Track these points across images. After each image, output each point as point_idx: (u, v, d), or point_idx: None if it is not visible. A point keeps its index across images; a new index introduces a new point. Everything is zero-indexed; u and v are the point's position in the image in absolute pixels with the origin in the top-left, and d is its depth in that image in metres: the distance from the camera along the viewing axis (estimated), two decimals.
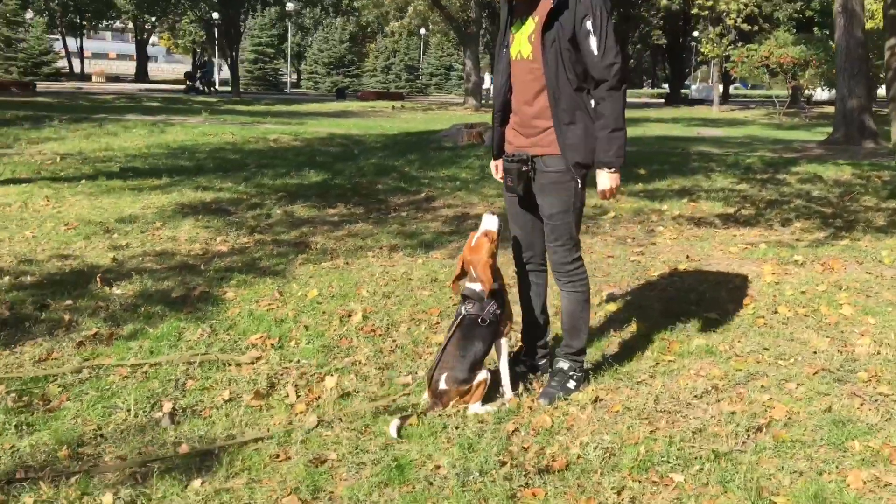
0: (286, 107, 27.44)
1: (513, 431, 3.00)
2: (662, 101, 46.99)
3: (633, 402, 3.28)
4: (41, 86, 33.53)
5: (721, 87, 41.05)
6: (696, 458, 2.80)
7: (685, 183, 9.93)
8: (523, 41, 3.13)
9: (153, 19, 50.34)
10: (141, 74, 54.17)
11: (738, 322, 4.32)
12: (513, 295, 3.60)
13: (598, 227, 6.96)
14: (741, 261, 5.70)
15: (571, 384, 3.36)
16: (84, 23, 50.23)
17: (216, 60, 46.00)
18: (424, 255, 5.57)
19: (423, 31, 52.25)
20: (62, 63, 49.86)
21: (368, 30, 54.89)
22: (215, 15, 38.94)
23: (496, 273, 3.30)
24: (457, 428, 2.98)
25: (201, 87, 37.11)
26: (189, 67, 44.13)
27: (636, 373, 3.59)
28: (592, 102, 3.07)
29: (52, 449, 2.70)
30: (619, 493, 2.58)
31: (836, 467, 2.76)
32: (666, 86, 50.50)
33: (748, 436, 2.99)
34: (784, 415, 3.16)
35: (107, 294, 4.46)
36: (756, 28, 28.32)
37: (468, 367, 3.13)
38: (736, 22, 26.08)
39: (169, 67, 74.61)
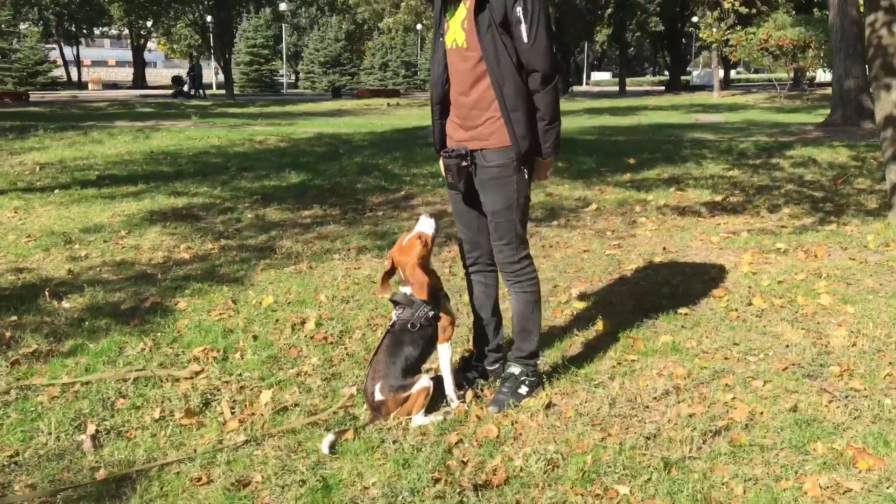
0: (280, 108, 27.28)
1: (455, 443, 2.83)
2: (663, 88, 46.64)
3: (587, 406, 3.11)
4: (35, 96, 33.50)
5: (721, 72, 40.64)
6: (645, 468, 2.62)
7: (675, 171, 9.74)
8: (457, 28, 2.96)
9: (149, 25, 50.24)
10: (138, 80, 54.09)
11: (709, 316, 4.14)
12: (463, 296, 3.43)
13: (578, 219, 6.78)
14: (720, 251, 5.51)
15: (523, 390, 3.18)
16: (77, 31, 50.10)
17: (211, 63, 45.89)
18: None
19: (419, 26, 52.04)
20: (59, 72, 49.93)
21: (365, 27, 54.68)
22: (210, 18, 38.82)
23: (431, 275, 3.13)
24: (395, 442, 2.81)
25: (191, 92, 36.78)
26: (179, 72, 43.80)
27: (595, 374, 3.41)
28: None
29: None
30: None
31: (795, 473, 2.58)
32: (668, 73, 50.07)
33: (704, 441, 2.81)
34: (745, 416, 2.98)
35: (54, 308, 4.31)
36: (754, 11, 27.92)
37: (400, 373, 2.97)
38: (734, 5, 25.76)
39: (167, 72, 74.26)
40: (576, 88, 50.67)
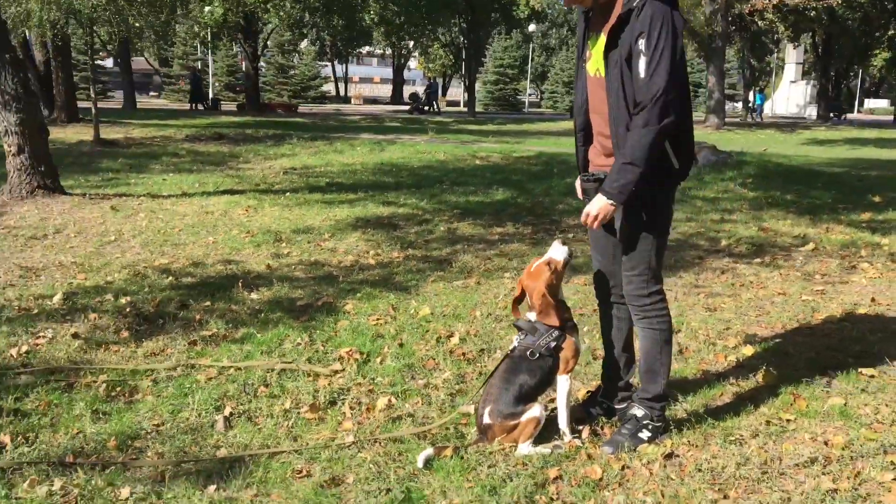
0: (516, 126, 27.87)
1: (553, 479, 2.72)
2: None
3: (713, 463, 2.83)
4: (304, 108, 37.29)
5: None
6: None
7: None
8: (599, 58, 2.86)
9: (410, 44, 53.87)
10: (396, 97, 58.13)
11: None
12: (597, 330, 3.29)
13: (787, 259, 6.20)
14: None
15: (644, 434, 2.98)
16: (344, 50, 54.90)
17: (459, 82, 47.98)
18: (565, 280, 5.29)
19: None
20: (330, 87, 55.13)
21: None
22: (463, 39, 40.68)
23: (561, 306, 3.04)
24: (490, 467, 2.77)
25: (426, 108, 38.38)
26: (416, 90, 46.33)
27: (736, 430, 3.10)
28: None
29: (105, 439, 2.92)
30: None
31: None
32: None
33: None
34: None
35: (243, 298, 4.78)
36: None
37: (512, 400, 2.91)
38: None
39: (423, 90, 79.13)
40: (847, 116, 46.09)
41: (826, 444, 2.99)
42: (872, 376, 3.64)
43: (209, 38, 35.85)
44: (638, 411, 3.02)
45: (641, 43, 2.62)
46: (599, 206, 2.78)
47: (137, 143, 15.50)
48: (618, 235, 3.00)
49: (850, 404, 3.34)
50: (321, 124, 24.08)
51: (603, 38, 2.81)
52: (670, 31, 2.61)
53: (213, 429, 3.06)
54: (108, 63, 47.72)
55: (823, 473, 2.75)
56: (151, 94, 48.87)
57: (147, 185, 9.61)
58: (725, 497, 2.60)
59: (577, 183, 3.18)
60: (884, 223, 7.94)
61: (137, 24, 15.70)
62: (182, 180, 10.06)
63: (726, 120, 31.37)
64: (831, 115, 41.71)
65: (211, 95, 35.98)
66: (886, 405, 3.33)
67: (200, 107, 32.44)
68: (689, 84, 2.80)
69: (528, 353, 2.97)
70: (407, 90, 68.70)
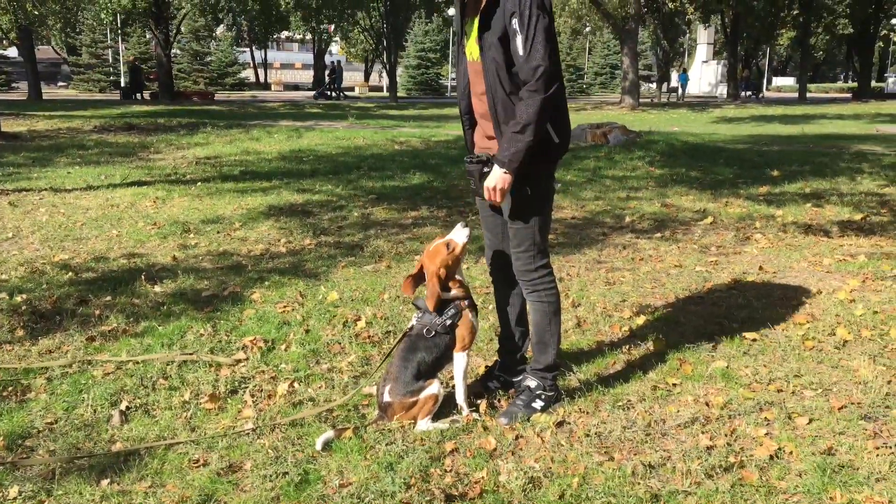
0: (438, 110, 27.89)
1: (449, 452, 2.80)
2: (850, 95, 43.04)
3: (601, 428, 2.97)
4: (221, 95, 36.41)
5: None
6: (630, 497, 2.48)
7: (820, 186, 9.00)
8: (472, 42, 2.94)
9: (331, 29, 53.08)
10: (318, 83, 57.34)
11: (781, 344, 3.81)
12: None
13: (686, 233, 6.45)
14: (826, 274, 5.04)
15: (537, 404, 3.10)
16: (262, 35, 53.74)
17: (381, 67, 47.61)
18: (474, 260, 5.40)
19: (587, 29, 51.41)
20: (249, 74, 53.91)
21: None
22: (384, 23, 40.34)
23: (458, 283, 3.11)
24: (388, 444, 2.84)
25: (331, 93, 37.12)
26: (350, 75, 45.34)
27: (624, 395, 3.25)
28: None
29: None
30: None
31: None
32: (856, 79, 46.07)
33: (710, 476, 2.61)
34: (768, 454, 2.73)
35: (146, 292, 4.70)
36: None
37: (411, 378, 2.98)
38: None
39: (347, 75, 78.24)
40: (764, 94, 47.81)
41: (707, 404, 3.17)
42: (755, 340, 3.86)
43: (118, 25, 34.61)
44: (531, 382, 3.14)
45: (515, 22, 2.69)
46: (496, 177, 2.83)
47: (42, 135, 14.89)
48: (504, 214, 3.07)
49: (732, 367, 3.54)
50: (238, 112, 23.58)
51: (476, 23, 2.87)
52: (540, 6, 2.69)
53: (108, 424, 3.02)
54: (12, 52, 45.54)
55: (702, 432, 2.92)
56: (60, 84, 46.84)
57: (50, 178, 9.27)
58: (611, 459, 2.73)
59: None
60: (779, 196, 8.34)
61: (37, 13, 15.02)
62: (88, 173, 9.74)
63: (640, 100, 32.14)
64: (749, 93, 43.34)
65: (122, 84, 34.75)
66: (765, 366, 3.54)
67: (139, 97, 31.57)
68: (560, 62, 2.88)
69: (424, 331, 3.04)
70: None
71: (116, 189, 8.53)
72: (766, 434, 2.90)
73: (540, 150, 2.85)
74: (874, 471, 2.62)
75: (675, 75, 44.82)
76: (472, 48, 2.94)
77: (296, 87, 55.37)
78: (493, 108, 2.85)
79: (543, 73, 2.69)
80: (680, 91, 41.40)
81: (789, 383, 3.36)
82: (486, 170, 2.98)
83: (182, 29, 39.35)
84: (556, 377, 3.18)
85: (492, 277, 3.34)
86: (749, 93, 43.43)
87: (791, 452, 2.75)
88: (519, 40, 2.70)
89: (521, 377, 3.30)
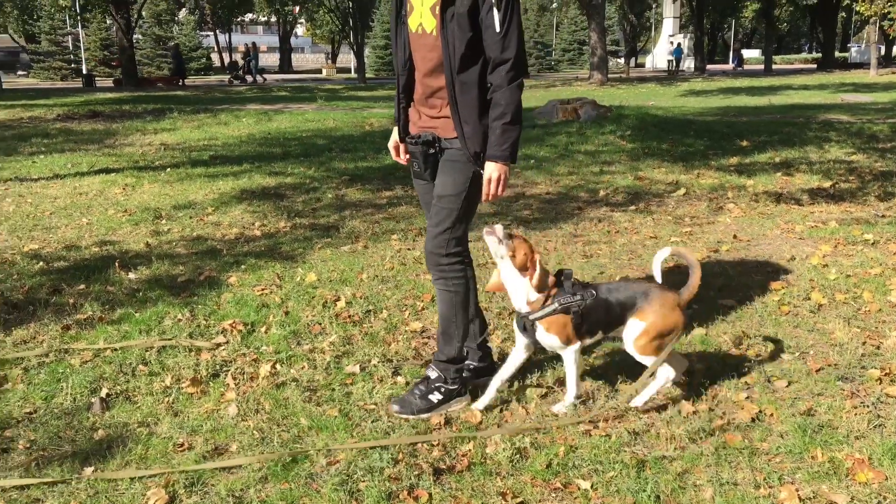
0: None
1: (435, 426, 2.81)
2: (815, 66, 43.54)
3: (585, 397, 2.99)
4: (187, 80, 35.80)
5: (883, 49, 37.33)
6: (615, 464, 2.50)
7: (790, 155, 9.13)
8: (426, 13, 2.73)
9: (296, 11, 52.40)
10: (285, 65, 56.67)
11: (757, 310, 3.87)
12: None
13: (660, 205, 6.50)
14: (799, 240, 5.12)
15: (435, 396, 2.92)
16: (226, 18, 52.89)
17: (349, 48, 47.12)
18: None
19: (553, 5, 51.30)
20: (214, 58, 53.07)
21: None
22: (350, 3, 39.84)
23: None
24: (374, 422, 2.84)
25: (247, 76, 35.28)
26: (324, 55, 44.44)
27: (604, 365, 3.27)
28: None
29: None
30: (506, 499, 2.34)
31: (780, 480, 2.38)
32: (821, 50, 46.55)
33: (694, 440, 2.64)
34: (750, 417, 2.77)
35: (121, 279, 4.63)
36: None
37: None
38: None
39: (313, 57, 77.36)
40: (717, 67, 48.25)
41: (687, 371, 3.20)
42: (732, 307, 3.91)
43: (77, 11, 33.84)
44: (432, 373, 2.97)
45: None
46: (498, 172, 2.70)
47: (3, 125, 14.54)
48: (434, 190, 2.88)
49: (710, 333, 3.58)
50: (204, 97, 23.23)
51: None
52: None
53: (88, 411, 2.98)
54: None
55: (685, 398, 2.96)
56: (20, 73, 45.74)
57: (14, 168, 9.07)
58: (595, 427, 2.76)
59: (391, 144, 3.09)
60: (749, 166, 8.44)
61: None
62: (53, 162, 9.54)
63: (609, 76, 32.20)
64: (735, 66, 44.42)
65: (84, 71, 34.02)
66: (743, 332, 3.59)
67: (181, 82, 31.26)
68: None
69: None
70: (295, 58, 67.08)
71: (84, 177, 8.38)
72: (747, 398, 2.95)
73: (484, 135, 2.73)
74: (853, 429, 2.67)
75: (671, 48, 45.03)
76: (421, 19, 2.74)
77: (262, 71, 54.62)
78: (451, 85, 2.69)
79: (521, 56, 2.63)
80: (675, 64, 41.85)
81: (766, 347, 3.41)
82: (431, 151, 2.84)
83: (143, 14, 38.61)
84: (461, 370, 2.99)
85: None
86: (734, 64, 44.91)
87: (772, 415, 2.80)
88: (496, 16, 2.59)
89: (486, 363, 3.16)
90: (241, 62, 37.07)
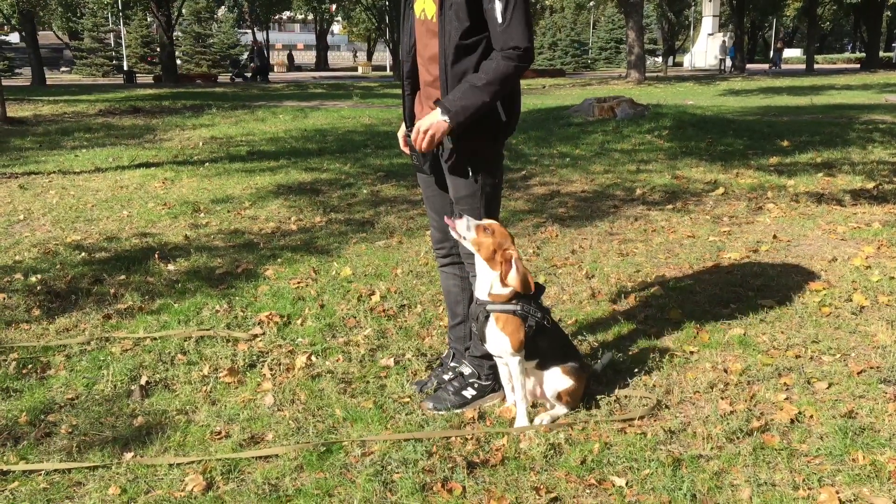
0: None
1: (469, 420, 2.81)
2: (859, 66, 42.62)
3: (619, 394, 2.97)
4: (225, 77, 36.24)
5: None
6: (651, 462, 2.48)
7: (832, 155, 8.94)
8: None
9: (332, 7, 52.75)
10: (321, 63, 57.10)
11: (797, 311, 3.80)
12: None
13: (698, 204, 6.42)
14: (841, 241, 5.02)
15: (468, 392, 2.93)
16: (264, 16, 53.36)
17: (384, 46, 47.27)
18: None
19: (591, 3, 50.88)
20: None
21: (538, 6, 54.22)
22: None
23: None
24: (408, 414, 2.85)
25: (249, 75, 34.68)
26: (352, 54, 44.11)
27: (641, 363, 3.24)
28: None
29: (16, 415, 2.88)
30: (540, 494, 2.33)
31: (819, 482, 2.34)
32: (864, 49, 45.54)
33: (731, 440, 2.61)
34: (789, 418, 2.73)
35: (160, 270, 4.71)
36: None
37: None
38: None
39: (348, 55, 77.83)
40: (757, 67, 47.44)
41: (725, 371, 3.16)
42: (771, 307, 3.85)
43: (119, 9, 34.44)
44: (465, 369, 2.98)
45: None
46: (432, 121, 2.57)
47: (48, 120, 14.87)
48: (450, 192, 2.83)
49: (749, 334, 3.53)
50: (242, 93, 23.48)
51: None
52: None
53: (128, 399, 3.04)
54: (14, 38, 45.44)
55: (722, 398, 2.92)
56: (63, 69, 46.74)
57: (58, 161, 9.27)
58: (631, 425, 2.74)
59: (400, 134, 3.01)
60: (790, 166, 8.28)
61: None
62: (95, 155, 9.73)
63: (647, 74, 31.86)
64: (772, 66, 43.54)
65: (125, 68, 34.62)
66: (782, 332, 3.53)
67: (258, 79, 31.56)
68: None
69: None
70: (332, 56, 67.53)
71: (125, 171, 8.53)
72: (786, 399, 2.90)
73: (488, 127, 2.66)
74: (895, 432, 2.62)
75: (720, 48, 44.27)
76: (424, 4, 2.66)
77: (298, 69, 55.12)
78: (444, 73, 2.60)
79: (525, 49, 2.51)
80: (728, 63, 41.19)
81: (807, 349, 3.36)
82: None
83: (184, 11, 39.18)
84: (494, 366, 2.92)
85: (438, 263, 3.14)
86: (772, 65, 43.93)
87: (812, 416, 2.75)
88: (498, 7, 2.49)
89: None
90: (242, 60, 37.15)
